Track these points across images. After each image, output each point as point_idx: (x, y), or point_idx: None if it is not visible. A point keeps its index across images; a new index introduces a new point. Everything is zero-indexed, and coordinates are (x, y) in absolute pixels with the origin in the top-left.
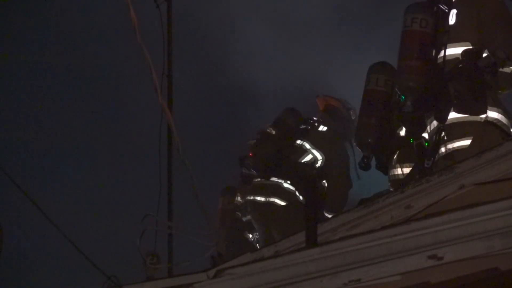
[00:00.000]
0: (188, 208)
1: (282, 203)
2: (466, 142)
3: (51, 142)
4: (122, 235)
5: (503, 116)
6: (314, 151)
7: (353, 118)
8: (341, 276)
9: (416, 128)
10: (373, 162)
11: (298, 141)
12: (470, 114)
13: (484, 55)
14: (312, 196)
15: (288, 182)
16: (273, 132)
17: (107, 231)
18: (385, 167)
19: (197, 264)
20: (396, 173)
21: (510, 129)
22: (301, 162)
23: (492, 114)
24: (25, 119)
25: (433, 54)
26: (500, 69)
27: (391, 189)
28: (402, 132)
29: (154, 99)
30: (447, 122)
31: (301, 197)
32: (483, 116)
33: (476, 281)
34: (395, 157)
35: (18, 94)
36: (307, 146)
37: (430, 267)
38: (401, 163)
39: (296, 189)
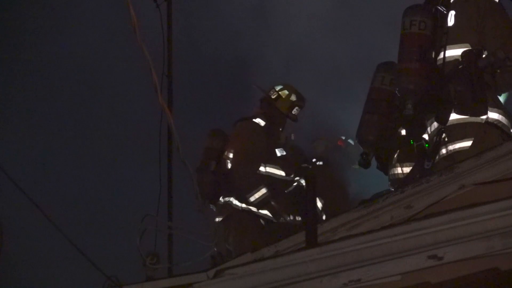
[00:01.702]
0: (188, 208)
1: (219, 219)
2: (467, 143)
3: (51, 142)
4: (122, 235)
5: (503, 117)
6: (230, 154)
7: (282, 97)
8: (341, 276)
9: (416, 130)
10: (374, 163)
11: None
12: (471, 115)
13: (484, 55)
14: (312, 195)
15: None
16: (206, 162)
17: (107, 231)
18: (386, 167)
19: (197, 264)
20: (396, 172)
21: (510, 130)
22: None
23: (493, 115)
24: (25, 119)
25: (433, 56)
26: (500, 70)
27: (391, 189)
28: (403, 131)
29: (154, 99)
30: (448, 124)
31: (239, 204)
32: (484, 117)
33: (476, 281)
34: (395, 156)
35: (18, 94)
36: (227, 154)
37: (430, 267)
38: (401, 162)
39: (236, 198)
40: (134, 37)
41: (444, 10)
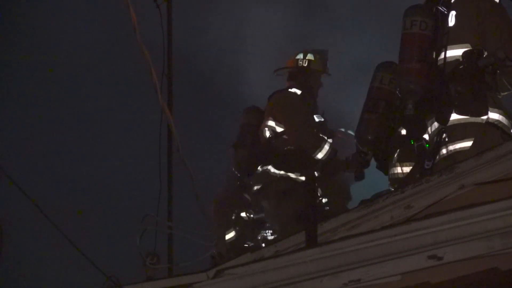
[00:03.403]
0: (188, 208)
1: (257, 187)
2: (467, 143)
3: (51, 141)
4: (122, 235)
5: (504, 117)
6: (268, 122)
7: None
8: (341, 276)
9: (417, 130)
10: (374, 163)
11: None
12: (471, 115)
13: (484, 56)
14: (312, 196)
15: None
16: (242, 138)
17: (107, 231)
18: (385, 166)
19: (197, 264)
20: (396, 172)
21: (510, 130)
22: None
23: (493, 115)
24: (25, 120)
25: (434, 56)
26: (500, 70)
27: (391, 189)
28: (403, 131)
29: (154, 99)
30: (448, 124)
31: (277, 171)
32: (484, 117)
33: (476, 281)
34: (395, 156)
35: (18, 94)
36: (265, 123)
37: (430, 267)
38: (401, 162)
39: (274, 166)
40: (134, 37)
41: (444, 10)
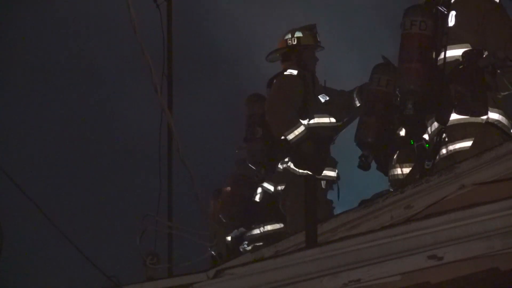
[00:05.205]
0: (188, 208)
1: (281, 187)
2: (467, 143)
3: (51, 142)
4: (122, 235)
5: (503, 117)
6: None
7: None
8: (341, 276)
9: (417, 130)
10: (374, 164)
11: None
12: (471, 115)
13: (484, 56)
14: (312, 196)
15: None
16: (252, 130)
17: (107, 231)
18: (386, 168)
19: (197, 264)
20: (396, 173)
21: (510, 130)
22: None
23: (493, 115)
24: (25, 120)
25: (433, 56)
26: (500, 70)
27: (391, 189)
28: (402, 132)
29: (154, 99)
30: (448, 124)
31: (297, 169)
32: (484, 117)
33: (476, 281)
34: (395, 157)
35: (18, 94)
36: None
37: (430, 267)
38: (401, 163)
39: (292, 162)
40: (134, 37)
41: (444, 10)
